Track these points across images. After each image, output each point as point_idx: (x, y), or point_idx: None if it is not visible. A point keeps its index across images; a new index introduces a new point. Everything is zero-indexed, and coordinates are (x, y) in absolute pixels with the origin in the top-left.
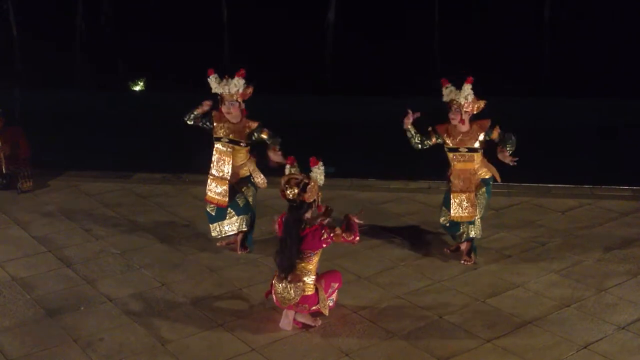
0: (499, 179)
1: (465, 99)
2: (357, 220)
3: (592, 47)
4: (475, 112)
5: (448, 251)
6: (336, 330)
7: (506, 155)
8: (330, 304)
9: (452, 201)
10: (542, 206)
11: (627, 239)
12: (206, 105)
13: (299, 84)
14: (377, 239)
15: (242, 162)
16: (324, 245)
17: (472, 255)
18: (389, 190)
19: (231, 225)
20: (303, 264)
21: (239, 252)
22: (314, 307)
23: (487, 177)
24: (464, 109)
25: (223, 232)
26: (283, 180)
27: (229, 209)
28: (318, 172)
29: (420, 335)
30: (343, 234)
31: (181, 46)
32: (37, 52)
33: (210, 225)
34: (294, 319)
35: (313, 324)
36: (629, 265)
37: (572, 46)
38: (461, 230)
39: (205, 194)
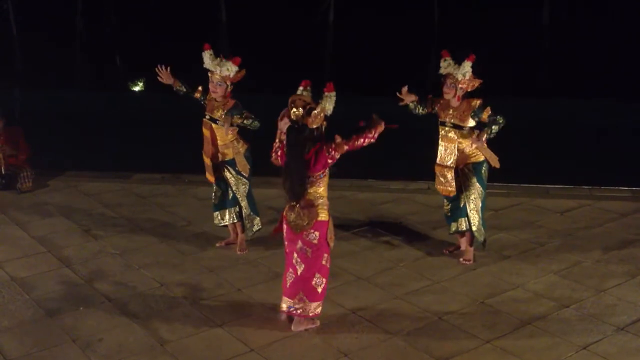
0: (494, 164)
1: (463, 75)
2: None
3: (592, 48)
4: (469, 90)
5: (447, 252)
6: (335, 330)
7: (483, 136)
8: (319, 290)
9: (436, 174)
10: (541, 207)
11: (626, 239)
12: (165, 76)
13: (298, 84)
14: (376, 240)
15: (224, 143)
16: (330, 162)
17: (472, 252)
18: (388, 190)
19: (221, 220)
20: (314, 188)
21: (239, 253)
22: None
23: (479, 160)
24: (460, 85)
25: (219, 223)
26: (290, 99)
27: (229, 208)
28: (329, 100)
29: (419, 335)
30: (346, 145)
31: (181, 46)
32: (37, 52)
33: (213, 214)
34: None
35: (313, 326)
36: (628, 266)
37: (571, 46)
38: (458, 223)
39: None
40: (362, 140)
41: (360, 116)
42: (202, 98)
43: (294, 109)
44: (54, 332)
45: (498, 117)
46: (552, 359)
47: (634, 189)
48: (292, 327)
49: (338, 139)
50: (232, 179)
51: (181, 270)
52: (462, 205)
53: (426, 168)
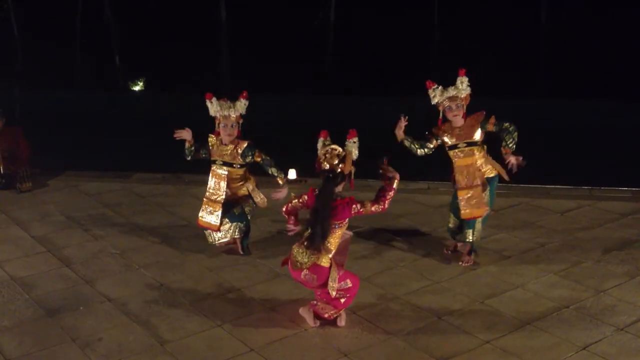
0: (506, 177)
1: (465, 90)
2: (388, 171)
3: (592, 48)
4: (466, 103)
5: (447, 252)
6: (335, 330)
7: (509, 154)
8: (342, 301)
9: (459, 199)
10: (542, 207)
11: (626, 240)
12: (186, 133)
13: (298, 84)
14: (376, 240)
15: (240, 184)
16: (352, 215)
17: (472, 255)
18: None
19: (224, 233)
20: (332, 237)
21: (242, 253)
22: (324, 291)
23: (492, 175)
24: (463, 102)
25: (217, 239)
26: (322, 152)
27: (224, 218)
28: (354, 146)
29: (419, 335)
30: (372, 207)
31: (181, 46)
32: (37, 52)
33: (205, 232)
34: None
35: (313, 325)
36: (628, 266)
37: (571, 47)
38: (464, 235)
39: (198, 218)
40: (388, 199)
41: (360, 116)
42: (204, 152)
43: (329, 160)
44: (53, 332)
45: (506, 124)
46: (552, 359)
47: (634, 189)
48: (300, 310)
49: (368, 204)
50: (245, 202)
51: (181, 270)
52: (486, 215)
53: (426, 168)
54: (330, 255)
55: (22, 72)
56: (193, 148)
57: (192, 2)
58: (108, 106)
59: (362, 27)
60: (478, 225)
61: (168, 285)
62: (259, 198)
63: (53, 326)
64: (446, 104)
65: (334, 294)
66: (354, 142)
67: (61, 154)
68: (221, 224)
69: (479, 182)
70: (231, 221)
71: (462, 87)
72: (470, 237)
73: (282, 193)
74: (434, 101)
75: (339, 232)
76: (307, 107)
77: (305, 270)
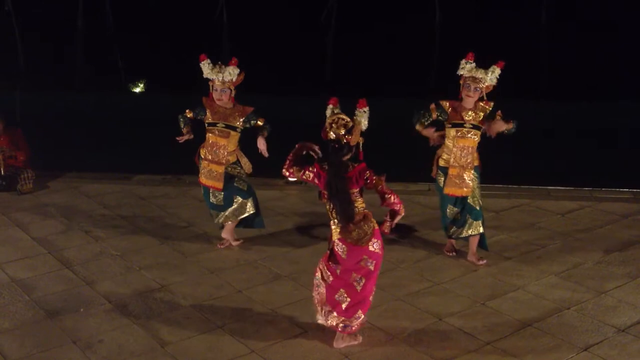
0: (479, 167)
1: (491, 81)
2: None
3: (592, 49)
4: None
5: (449, 254)
6: (335, 332)
7: (500, 123)
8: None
9: (449, 176)
10: (542, 208)
11: (627, 241)
12: (186, 134)
13: (297, 85)
14: None
15: (234, 148)
16: (361, 183)
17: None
18: None
19: (241, 209)
20: (357, 203)
21: (234, 244)
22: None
23: (476, 164)
24: (485, 90)
25: (230, 219)
26: (329, 120)
27: (236, 195)
28: (363, 116)
29: (419, 337)
30: (392, 199)
31: (181, 47)
32: (38, 54)
33: (214, 212)
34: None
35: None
36: (628, 267)
37: (571, 48)
38: (473, 227)
39: (199, 178)
40: (394, 204)
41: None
42: (198, 112)
43: (335, 130)
44: (54, 334)
45: (510, 120)
46: None
47: (634, 190)
48: (335, 344)
49: (384, 180)
50: (240, 174)
51: (182, 272)
52: (478, 208)
53: (427, 169)
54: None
55: (22, 73)
56: (187, 123)
57: (192, 2)
58: (108, 108)
59: (362, 27)
60: (482, 217)
61: (168, 286)
62: (247, 163)
63: (53, 328)
64: (467, 82)
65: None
66: (364, 112)
67: (61, 155)
68: (233, 200)
69: (472, 166)
70: (244, 197)
71: (491, 76)
72: (480, 229)
73: (264, 144)
74: (460, 72)
75: (360, 199)
76: (306, 109)
77: (372, 239)
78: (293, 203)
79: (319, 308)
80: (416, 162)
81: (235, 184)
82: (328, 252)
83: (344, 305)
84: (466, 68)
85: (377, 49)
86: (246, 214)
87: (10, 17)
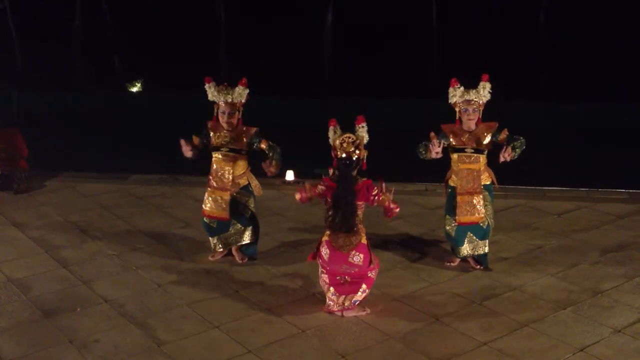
0: (496, 184)
1: (485, 97)
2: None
3: (590, 50)
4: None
5: (450, 264)
6: (332, 332)
7: (508, 151)
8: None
9: (458, 204)
10: (539, 209)
11: (624, 242)
12: (187, 151)
13: (297, 86)
14: (373, 242)
15: (243, 171)
16: (370, 199)
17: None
18: None
19: (237, 236)
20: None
21: (241, 261)
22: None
23: (487, 182)
24: (481, 108)
25: (227, 244)
26: (338, 140)
27: (233, 220)
28: (363, 130)
29: (416, 337)
30: (391, 202)
31: (179, 47)
32: (36, 53)
33: (211, 238)
34: (342, 313)
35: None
36: (625, 268)
37: (568, 49)
38: (465, 244)
39: (203, 208)
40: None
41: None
42: (203, 138)
43: (346, 148)
44: (50, 333)
45: (517, 137)
46: None
47: (631, 191)
48: (344, 313)
49: (388, 194)
50: (248, 199)
51: (178, 272)
52: (485, 227)
53: (425, 170)
54: (363, 232)
55: (20, 72)
56: (194, 150)
57: (191, 3)
58: (106, 107)
59: (361, 31)
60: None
61: (165, 286)
62: (256, 185)
63: (50, 327)
64: (463, 106)
65: (376, 263)
66: (363, 127)
67: (58, 154)
68: (231, 223)
69: (480, 190)
70: (244, 225)
71: (483, 92)
72: (484, 250)
73: (271, 169)
74: (452, 100)
75: (360, 213)
76: (306, 109)
77: (353, 251)
78: (290, 203)
79: (326, 290)
80: (413, 163)
81: (238, 209)
82: (315, 250)
83: (347, 285)
84: (457, 94)
85: (377, 49)
86: (242, 243)
87: (7, 15)
